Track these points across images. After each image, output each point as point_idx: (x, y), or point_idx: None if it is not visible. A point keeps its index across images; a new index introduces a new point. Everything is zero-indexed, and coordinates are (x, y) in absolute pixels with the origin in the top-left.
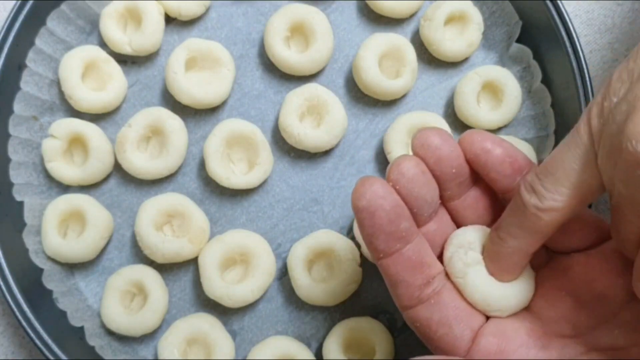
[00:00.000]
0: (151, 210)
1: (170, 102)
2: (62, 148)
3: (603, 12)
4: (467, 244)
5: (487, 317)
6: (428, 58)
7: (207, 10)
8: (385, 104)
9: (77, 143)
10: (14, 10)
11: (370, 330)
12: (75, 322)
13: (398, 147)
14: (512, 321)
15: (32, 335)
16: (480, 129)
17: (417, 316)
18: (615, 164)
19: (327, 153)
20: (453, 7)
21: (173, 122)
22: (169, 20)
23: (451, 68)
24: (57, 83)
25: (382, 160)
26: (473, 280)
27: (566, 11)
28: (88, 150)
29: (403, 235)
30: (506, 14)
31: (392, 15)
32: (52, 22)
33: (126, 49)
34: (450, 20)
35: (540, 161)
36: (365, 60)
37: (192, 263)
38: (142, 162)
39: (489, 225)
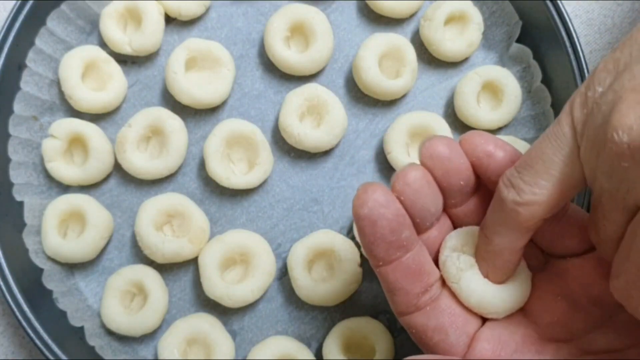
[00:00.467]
0: (151, 210)
1: (170, 102)
2: (62, 148)
3: (603, 12)
4: (460, 247)
5: (484, 319)
6: (428, 58)
7: (207, 10)
8: (385, 104)
9: (77, 143)
10: (14, 10)
11: (370, 331)
12: (75, 322)
13: (398, 147)
14: (508, 326)
15: (32, 335)
16: (480, 129)
17: (413, 323)
18: (598, 156)
19: (327, 153)
20: (453, 7)
21: (173, 122)
22: (169, 20)
23: (451, 68)
24: (57, 83)
25: (382, 160)
26: (467, 285)
27: (566, 11)
28: (88, 150)
29: (404, 245)
30: (506, 14)
31: (392, 15)
32: (52, 22)
33: (126, 49)
34: (450, 20)
35: None
36: (365, 60)
37: (192, 263)
38: (142, 162)
39: None
